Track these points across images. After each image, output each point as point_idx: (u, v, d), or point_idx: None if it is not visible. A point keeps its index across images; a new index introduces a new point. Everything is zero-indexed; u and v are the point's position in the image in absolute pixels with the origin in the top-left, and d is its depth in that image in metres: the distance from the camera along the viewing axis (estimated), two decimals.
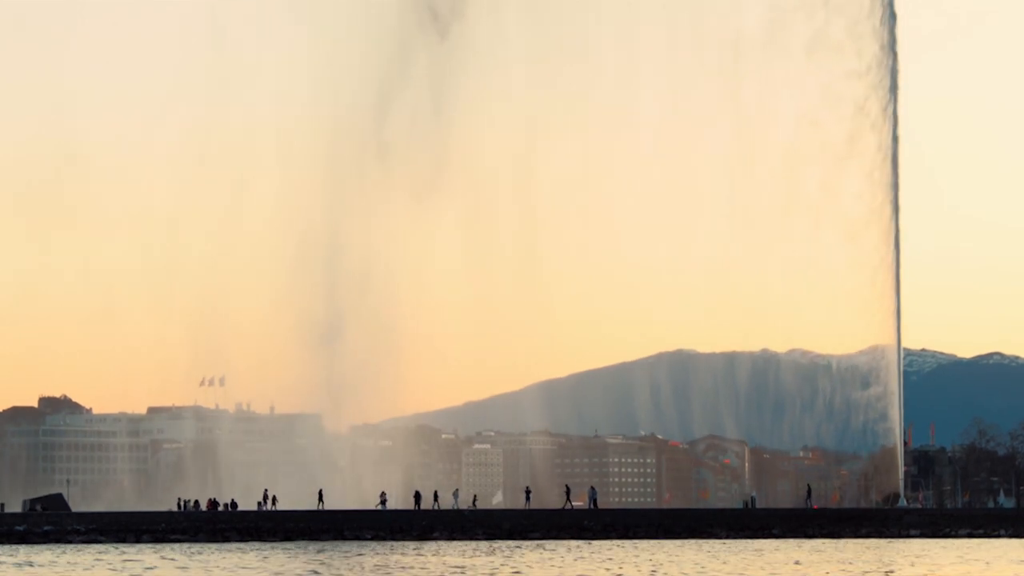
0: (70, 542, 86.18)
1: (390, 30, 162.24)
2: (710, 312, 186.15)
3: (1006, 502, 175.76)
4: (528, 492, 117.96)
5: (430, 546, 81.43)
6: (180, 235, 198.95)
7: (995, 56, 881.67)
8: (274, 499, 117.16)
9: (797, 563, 65.50)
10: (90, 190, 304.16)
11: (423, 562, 65.29)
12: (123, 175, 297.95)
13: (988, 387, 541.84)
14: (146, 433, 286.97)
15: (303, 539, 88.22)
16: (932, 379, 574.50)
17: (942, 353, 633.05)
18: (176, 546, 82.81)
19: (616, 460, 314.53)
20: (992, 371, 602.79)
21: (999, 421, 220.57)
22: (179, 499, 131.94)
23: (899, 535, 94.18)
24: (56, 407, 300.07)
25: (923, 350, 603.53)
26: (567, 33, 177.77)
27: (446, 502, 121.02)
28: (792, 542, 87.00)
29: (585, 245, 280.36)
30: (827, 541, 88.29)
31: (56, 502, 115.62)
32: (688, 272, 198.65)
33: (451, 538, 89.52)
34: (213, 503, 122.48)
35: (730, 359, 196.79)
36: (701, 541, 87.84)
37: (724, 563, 64.97)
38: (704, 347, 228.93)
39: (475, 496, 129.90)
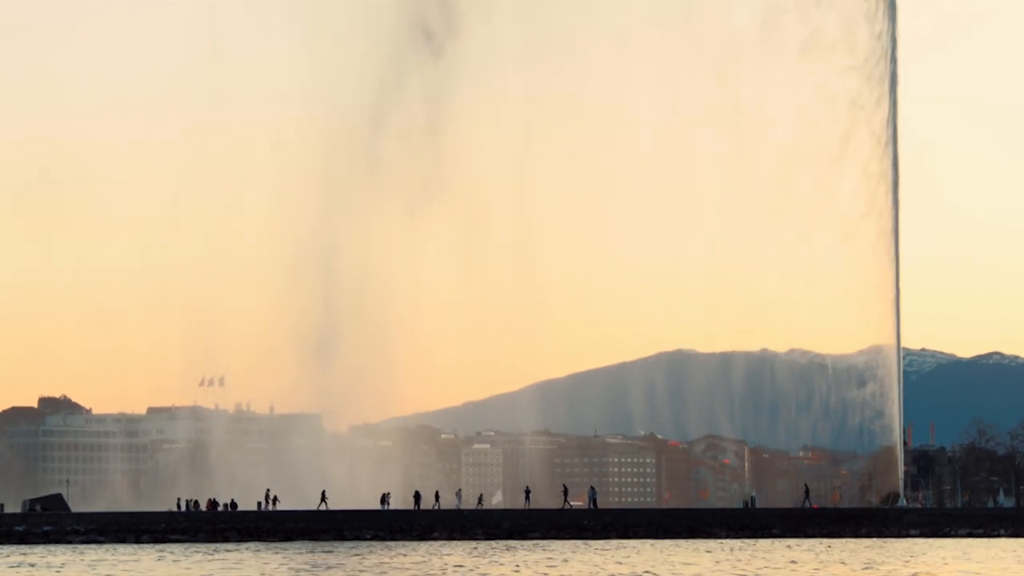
0: (70, 542, 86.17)
1: (385, 50, 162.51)
2: (709, 312, 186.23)
3: (1006, 502, 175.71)
4: (528, 492, 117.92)
5: (426, 546, 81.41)
6: (178, 236, 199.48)
7: (995, 56, 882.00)
8: (275, 499, 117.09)
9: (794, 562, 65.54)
10: (89, 191, 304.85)
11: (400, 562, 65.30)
12: (121, 176, 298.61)
13: (988, 387, 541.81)
14: (145, 433, 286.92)
15: (303, 539, 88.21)
16: (932, 379, 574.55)
17: (942, 353, 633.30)
18: (176, 546, 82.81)
19: (615, 460, 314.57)
20: (992, 371, 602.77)
21: (999, 421, 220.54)
22: (178, 499, 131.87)
23: (899, 535, 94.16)
24: (56, 407, 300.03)
25: (923, 350, 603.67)
26: (562, 37, 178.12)
27: (449, 502, 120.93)
28: (790, 542, 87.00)
29: (584, 245, 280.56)
30: (826, 541, 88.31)
31: (56, 502, 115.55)
32: (688, 272, 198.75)
33: (451, 538, 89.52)
34: (213, 503, 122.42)
35: (729, 359, 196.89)
36: (701, 541, 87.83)
37: (717, 562, 64.98)
38: (703, 347, 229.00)
39: (481, 496, 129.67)
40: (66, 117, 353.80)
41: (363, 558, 68.75)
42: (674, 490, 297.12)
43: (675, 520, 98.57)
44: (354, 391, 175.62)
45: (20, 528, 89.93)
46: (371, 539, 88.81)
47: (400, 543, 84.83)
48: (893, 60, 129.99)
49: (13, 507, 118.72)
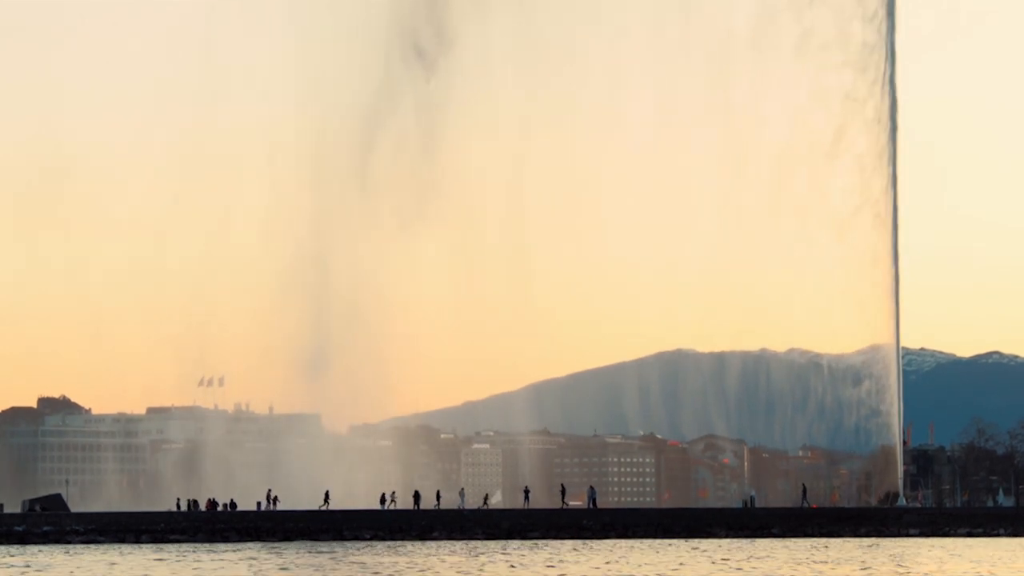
0: (69, 542, 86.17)
1: (378, 68, 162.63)
2: (708, 312, 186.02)
3: (1005, 501, 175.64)
4: (527, 492, 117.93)
5: (424, 546, 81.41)
6: (177, 236, 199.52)
7: (995, 56, 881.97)
8: (275, 499, 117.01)
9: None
10: (88, 191, 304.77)
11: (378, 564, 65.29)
12: (120, 177, 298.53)
13: (987, 386, 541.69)
14: (145, 433, 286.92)
15: (302, 539, 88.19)
16: (931, 378, 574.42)
17: (941, 352, 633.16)
18: (175, 546, 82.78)
19: (615, 460, 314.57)
20: (991, 370, 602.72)
21: (998, 420, 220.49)
22: (177, 499, 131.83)
23: (898, 534, 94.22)
24: (55, 407, 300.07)
25: (922, 349, 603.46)
26: (557, 40, 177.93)
27: (452, 502, 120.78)
28: (789, 541, 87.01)
29: (583, 245, 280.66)
30: (825, 540, 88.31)
31: (55, 502, 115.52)
32: (687, 272, 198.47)
33: (450, 537, 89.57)
34: (212, 503, 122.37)
35: (728, 359, 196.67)
36: (700, 541, 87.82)
37: (712, 562, 64.97)
38: (702, 347, 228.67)
39: (487, 495, 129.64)
40: (64, 118, 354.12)
41: (336, 562, 68.71)
42: (673, 490, 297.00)
43: (674, 520, 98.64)
44: (352, 392, 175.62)
45: (20, 528, 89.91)
46: (371, 539, 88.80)
47: (400, 543, 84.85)
48: (892, 54, 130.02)
49: (12, 507, 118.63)
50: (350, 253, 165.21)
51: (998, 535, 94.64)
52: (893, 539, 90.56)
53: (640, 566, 62.06)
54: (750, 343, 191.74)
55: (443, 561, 65.84)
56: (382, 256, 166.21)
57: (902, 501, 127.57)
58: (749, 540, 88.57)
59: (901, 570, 59.80)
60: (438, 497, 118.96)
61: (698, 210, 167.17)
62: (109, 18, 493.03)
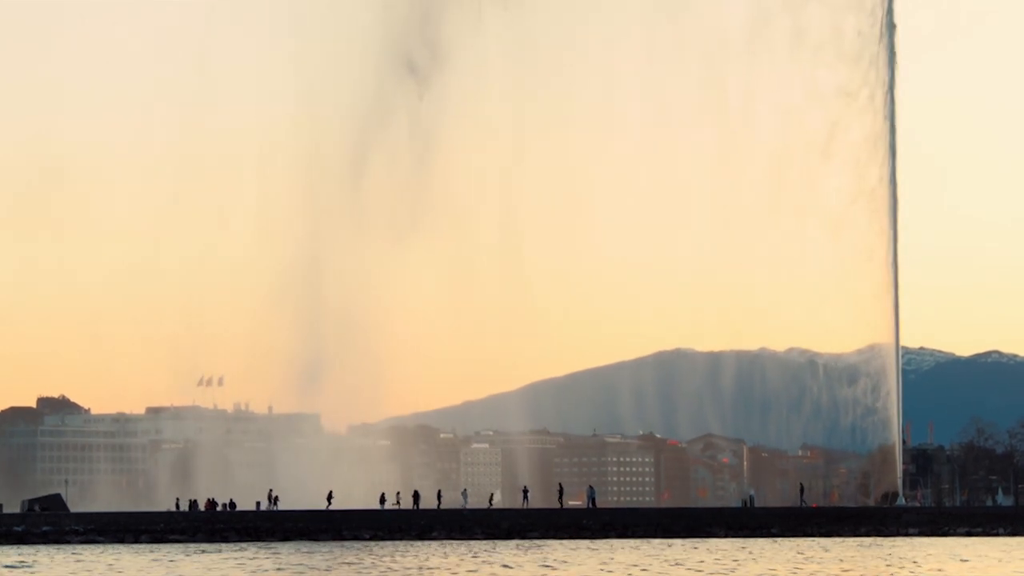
0: (68, 542, 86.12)
1: (371, 83, 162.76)
2: (708, 312, 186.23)
3: (1004, 500, 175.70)
4: (526, 491, 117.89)
5: (422, 546, 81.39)
6: (176, 236, 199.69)
7: (994, 56, 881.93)
8: (276, 499, 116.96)
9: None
10: (87, 191, 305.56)
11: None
12: (118, 177, 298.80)
13: (986, 385, 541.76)
14: (144, 433, 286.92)
15: (302, 539, 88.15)
16: (930, 377, 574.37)
17: (940, 351, 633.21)
18: (174, 546, 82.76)
19: (614, 459, 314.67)
20: (990, 369, 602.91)
21: (997, 419, 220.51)
22: (177, 499, 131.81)
23: (898, 533, 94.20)
24: (54, 407, 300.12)
25: (921, 348, 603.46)
26: (550, 40, 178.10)
27: (456, 501, 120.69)
28: (788, 541, 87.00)
29: (583, 245, 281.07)
30: (824, 540, 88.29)
31: (54, 502, 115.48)
32: (686, 272, 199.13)
33: (449, 537, 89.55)
34: (212, 503, 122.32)
35: (727, 358, 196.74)
36: (699, 540, 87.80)
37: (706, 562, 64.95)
38: (701, 346, 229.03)
39: (492, 495, 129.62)
40: (63, 119, 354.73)
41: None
42: (672, 489, 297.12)
43: (674, 519, 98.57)
44: (351, 392, 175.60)
45: (19, 528, 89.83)
46: (370, 539, 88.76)
47: (399, 543, 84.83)
48: (891, 50, 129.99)
49: (12, 507, 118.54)
50: (345, 261, 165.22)
51: (997, 534, 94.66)
52: (892, 538, 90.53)
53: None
54: (749, 343, 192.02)
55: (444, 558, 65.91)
56: (378, 261, 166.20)
57: (901, 500, 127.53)
58: (749, 540, 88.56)
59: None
60: (439, 497, 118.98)
61: (697, 210, 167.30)
62: (109, 18, 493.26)
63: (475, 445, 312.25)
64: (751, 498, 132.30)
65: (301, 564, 64.04)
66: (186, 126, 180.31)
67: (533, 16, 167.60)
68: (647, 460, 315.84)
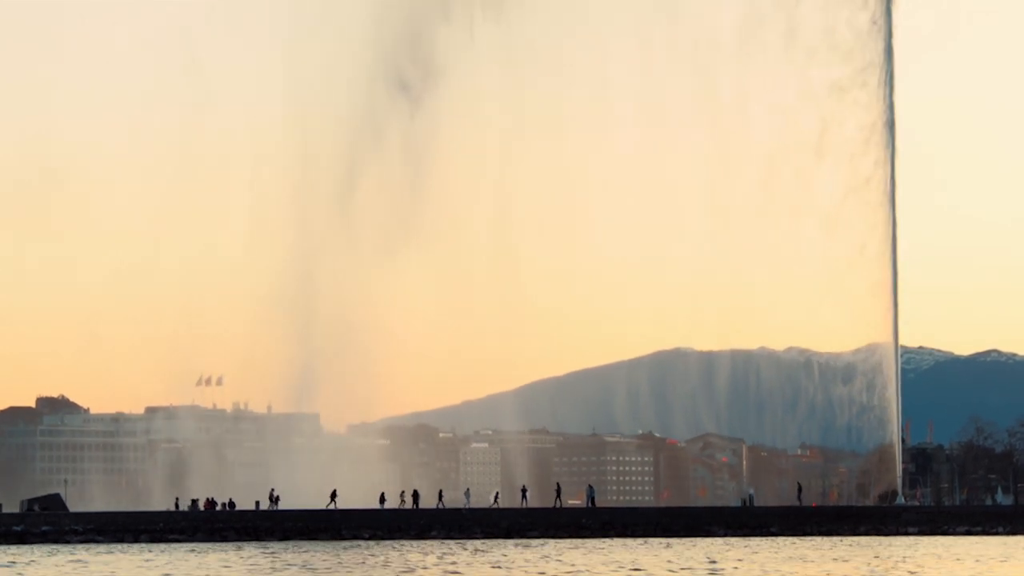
0: (68, 542, 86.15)
1: (363, 103, 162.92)
2: (707, 311, 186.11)
3: (1004, 499, 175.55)
4: (524, 490, 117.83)
5: (422, 545, 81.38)
6: (175, 236, 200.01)
7: (994, 56, 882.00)
8: (277, 498, 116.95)
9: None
10: (86, 191, 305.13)
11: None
12: (116, 179, 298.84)
13: (986, 384, 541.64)
14: (144, 433, 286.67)
15: (301, 538, 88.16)
16: (930, 376, 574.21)
17: (940, 351, 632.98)
18: (174, 546, 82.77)
19: (614, 458, 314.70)
20: (990, 368, 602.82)
21: (997, 418, 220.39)
22: (176, 498, 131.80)
23: (897, 532, 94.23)
24: (54, 407, 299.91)
25: (921, 348, 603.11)
26: (542, 46, 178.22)
27: (458, 501, 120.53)
28: (787, 540, 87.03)
29: (582, 245, 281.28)
30: (823, 539, 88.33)
31: (54, 502, 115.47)
32: (685, 272, 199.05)
33: (448, 537, 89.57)
34: (211, 503, 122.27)
35: (727, 358, 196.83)
36: (699, 539, 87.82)
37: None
38: (701, 346, 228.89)
39: (497, 493, 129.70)
40: (59, 118, 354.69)
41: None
42: (672, 488, 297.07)
43: (673, 518, 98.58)
44: (351, 391, 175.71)
45: (18, 528, 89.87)
46: (369, 538, 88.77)
47: (399, 542, 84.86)
48: (889, 49, 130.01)
49: (11, 507, 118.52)
50: (340, 267, 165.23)
51: (997, 533, 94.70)
52: (892, 537, 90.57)
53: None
54: (748, 342, 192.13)
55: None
56: (374, 264, 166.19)
57: (901, 499, 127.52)
58: (748, 539, 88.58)
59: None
60: (440, 497, 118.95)
61: (697, 209, 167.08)
62: (107, 19, 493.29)
63: (474, 445, 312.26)
64: (750, 497, 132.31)
65: (295, 564, 64.08)
66: (182, 130, 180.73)
67: (525, 30, 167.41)
68: (646, 459, 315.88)
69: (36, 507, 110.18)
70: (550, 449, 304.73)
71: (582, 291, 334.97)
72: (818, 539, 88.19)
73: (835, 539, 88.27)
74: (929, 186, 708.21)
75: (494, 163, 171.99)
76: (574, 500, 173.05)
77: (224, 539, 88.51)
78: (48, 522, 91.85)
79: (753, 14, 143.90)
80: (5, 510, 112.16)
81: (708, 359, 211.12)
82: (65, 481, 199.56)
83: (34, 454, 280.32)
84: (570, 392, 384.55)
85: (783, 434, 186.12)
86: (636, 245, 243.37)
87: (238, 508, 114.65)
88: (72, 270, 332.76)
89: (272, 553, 73.22)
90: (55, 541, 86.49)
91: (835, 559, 66.02)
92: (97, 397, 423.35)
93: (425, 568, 59.71)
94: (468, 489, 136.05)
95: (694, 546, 77.83)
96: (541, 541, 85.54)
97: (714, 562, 63.40)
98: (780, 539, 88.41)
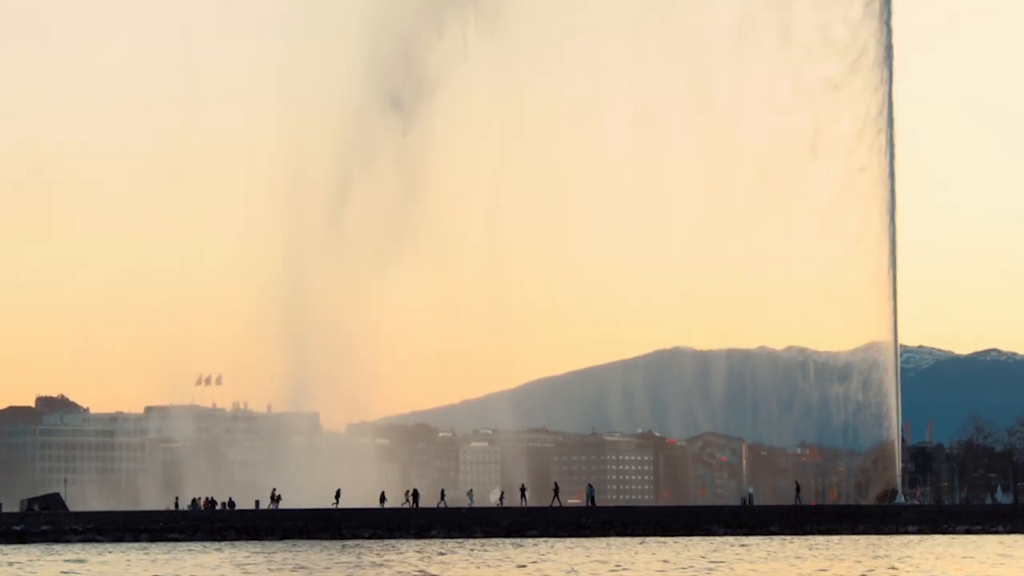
0: (68, 541, 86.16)
1: (355, 121, 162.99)
2: (706, 310, 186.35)
3: (1003, 498, 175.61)
4: (523, 490, 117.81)
5: (420, 545, 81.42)
6: (174, 236, 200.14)
7: (993, 55, 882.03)
8: (279, 498, 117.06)
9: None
10: (84, 190, 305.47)
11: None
12: (115, 178, 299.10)
13: (985, 383, 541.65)
14: (143, 432, 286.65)
15: (301, 538, 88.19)
16: (929, 375, 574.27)
17: (939, 350, 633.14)
18: (173, 545, 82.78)
19: (614, 458, 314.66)
20: (989, 367, 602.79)
21: (996, 417, 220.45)
22: (176, 498, 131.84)
23: (897, 531, 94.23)
24: (53, 407, 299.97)
25: (920, 347, 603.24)
26: (536, 48, 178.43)
27: (461, 501, 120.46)
28: (787, 539, 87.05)
29: (581, 244, 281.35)
30: (823, 538, 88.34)
31: (54, 502, 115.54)
32: (685, 270, 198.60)
33: (448, 536, 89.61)
34: (210, 502, 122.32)
35: (726, 357, 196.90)
36: (699, 538, 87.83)
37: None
38: (700, 345, 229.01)
39: (502, 492, 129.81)
40: (57, 117, 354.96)
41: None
42: (672, 487, 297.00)
43: (673, 517, 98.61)
44: (350, 391, 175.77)
45: (18, 528, 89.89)
46: (369, 538, 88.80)
47: (398, 541, 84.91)
48: (888, 47, 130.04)
49: (11, 506, 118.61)
50: (335, 275, 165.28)
51: (997, 532, 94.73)
52: (892, 536, 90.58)
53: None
54: (747, 341, 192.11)
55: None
56: (369, 272, 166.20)
57: (900, 499, 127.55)
58: (748, 538, 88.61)
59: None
60: (443, 496, 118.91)
61: (697, 208, 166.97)
62: (108, 19, 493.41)
63: (474, 444, 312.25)
64: (750, 496, 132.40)
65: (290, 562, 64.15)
66: (180, 132, 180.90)
67: (519, 43, 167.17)
68: (646, 459, 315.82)
69: (36, 506, 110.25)
70: (549, 448, 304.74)
71: (581, 291, 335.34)
72: (815, 538, 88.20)
73: (833, 538, 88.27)
74: (929, 186, 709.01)
75: (490, 163, 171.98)
76: (574, 499, 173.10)
77: (224, 538, 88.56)
78: (48, 521, 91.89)
79: (747, 13, 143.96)
80: (5, 509, 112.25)
81: (707, 358, 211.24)
82: (65, 480, 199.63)
83: (34, 453, 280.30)
84: (569, 392, 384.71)
85: (783, 433, 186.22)
86: (635, 244, 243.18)
87: (238, 507, 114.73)
88: (72, 270, 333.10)
89: (268, 552, 73.27)
90: (55, 540, 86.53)
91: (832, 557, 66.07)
92: (97, 397, 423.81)
93: (409, 565, 59.83)
94: (471, 490, 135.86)
95: (687, 548, 77.83)
96: (536, 540, 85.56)
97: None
98: (778, 538, 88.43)
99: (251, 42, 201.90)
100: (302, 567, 61.30)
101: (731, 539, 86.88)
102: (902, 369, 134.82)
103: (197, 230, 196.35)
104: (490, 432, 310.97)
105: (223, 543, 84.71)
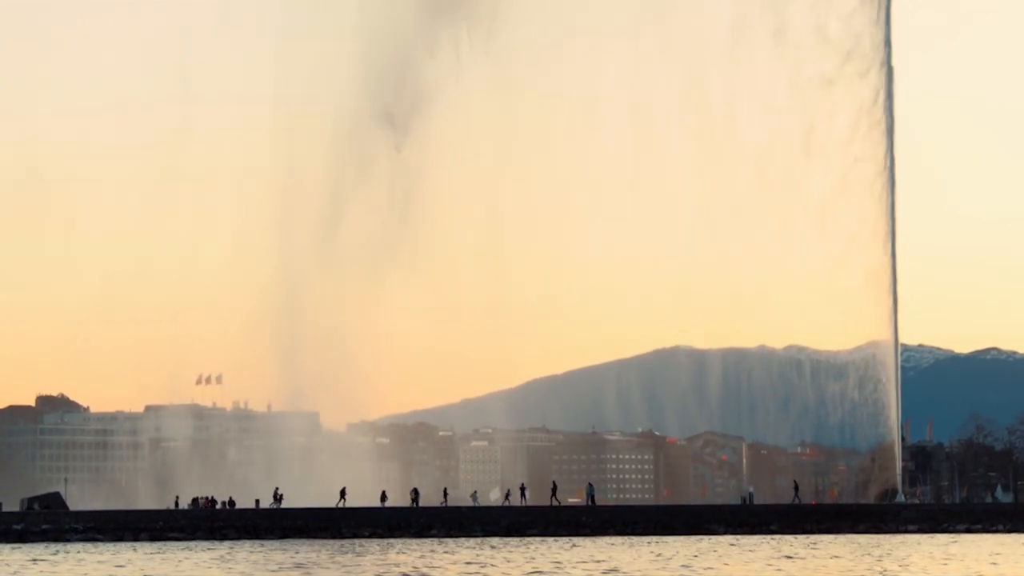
0: (68, 540, 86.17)
1: (349, 137, 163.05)
2: (707, 309, 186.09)
3: (1004, 497, 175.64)
4: (523, 489, 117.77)
5: (408, 544, 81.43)
6: (172, 236, 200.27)
7: (993, 55, 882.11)
8: (281, 497, 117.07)
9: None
10: (83, 190, 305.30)
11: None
12: (115, 177, 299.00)
13: (985, 382, 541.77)
14: (143, 431, 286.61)
15: (300, 537, 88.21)
16: (930, 374, 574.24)
17: (940, 348, 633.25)
18: (173, 544, 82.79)
19: (614, 457, 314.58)
20: (989, 366, 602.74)
21: (996, 416, 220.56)
22: (176, 497, 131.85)
23: (897, 530, 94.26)
24: (53, 406, 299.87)
25: (920, 345, 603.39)
26: (530, 80, 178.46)
27: (463, 501, 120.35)
28: (786, 538, 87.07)
29: (581, 243, 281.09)
30: (822, 537, 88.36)
31: (54, 501, 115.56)
32: (685, 269, 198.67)
33: (448, 535, 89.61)
34: (211, 501, 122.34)
35: (727, 356, 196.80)
36: (699, 537, 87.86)
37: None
38: (701, 344, 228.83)
39: (508, 491, 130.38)
40: (55, 118, 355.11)
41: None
42: (672, 487, 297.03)
43: (673, 516, 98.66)
44: (350, 390, 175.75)
45: (18, 527, 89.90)
46: (369, 536, 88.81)
47: (399, 540, 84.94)
48: (887, 44, 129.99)
49: (11, 506, 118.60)
50: (331, 281, 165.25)
51: (997, 531, 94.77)
52: (892, 535, 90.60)
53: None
54: (746, 340, 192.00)
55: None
56: (367, 276, 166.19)
57: (901, 497, 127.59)
58: (748, 537, 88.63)
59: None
60: (445, 495, 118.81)
61: (695, 207, 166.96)
62: (107, 20, 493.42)
63: (474, 443, 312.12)
64: (750, 495, 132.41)
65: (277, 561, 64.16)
66: (177, 133, 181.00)
67: (515, 45, 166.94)
68: (646, 458, 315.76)
69: (36, 505, 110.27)
70: (549, 447, 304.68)
71: (580, 290, 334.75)
72: (815, 537, 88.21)
73: (833, 537, 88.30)
74: (928, 185, 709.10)
75: (487, 164, 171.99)
76: (574, 498, 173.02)
77: (224, 538, 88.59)
78: (48, 520, 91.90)
79: (742, 13, 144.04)
80: (5, 508, 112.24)
81: (706, 357, 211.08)
82: (65, 479, 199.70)
83: (34, 453, 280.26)
84: (569, 391, 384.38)
85: (782, 432, 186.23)
86: (633, 244, 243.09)
87: (238, 507, 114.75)
88: (71, 270, 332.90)
89: (265, 551, 73.27)
90: (55, 539, 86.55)
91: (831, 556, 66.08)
92: (97, 396, 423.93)
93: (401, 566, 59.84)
94: (476, 492, 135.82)
95: (677, 551, 77.86)
96: (541, 539, 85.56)
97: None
98: (778, 537, 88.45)
99: (248, 47, 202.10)
100: (301, 566, 61.31)
101: (731, 538, 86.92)
102: (902, 368, 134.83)
103: (196, 229, 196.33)
104: (490, 431, 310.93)
105: (223, 542, 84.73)
